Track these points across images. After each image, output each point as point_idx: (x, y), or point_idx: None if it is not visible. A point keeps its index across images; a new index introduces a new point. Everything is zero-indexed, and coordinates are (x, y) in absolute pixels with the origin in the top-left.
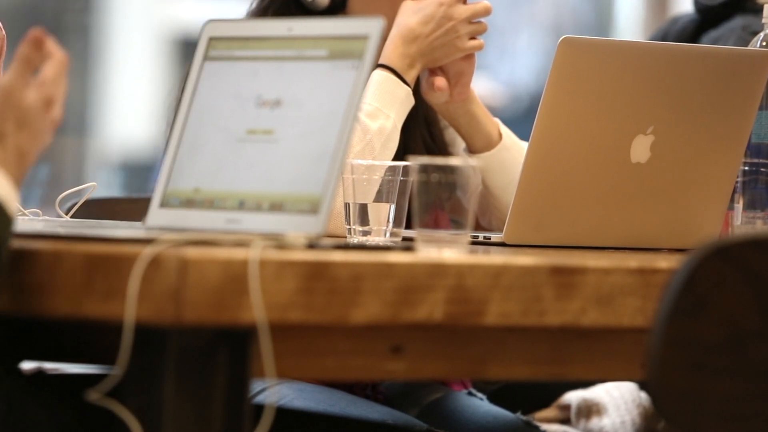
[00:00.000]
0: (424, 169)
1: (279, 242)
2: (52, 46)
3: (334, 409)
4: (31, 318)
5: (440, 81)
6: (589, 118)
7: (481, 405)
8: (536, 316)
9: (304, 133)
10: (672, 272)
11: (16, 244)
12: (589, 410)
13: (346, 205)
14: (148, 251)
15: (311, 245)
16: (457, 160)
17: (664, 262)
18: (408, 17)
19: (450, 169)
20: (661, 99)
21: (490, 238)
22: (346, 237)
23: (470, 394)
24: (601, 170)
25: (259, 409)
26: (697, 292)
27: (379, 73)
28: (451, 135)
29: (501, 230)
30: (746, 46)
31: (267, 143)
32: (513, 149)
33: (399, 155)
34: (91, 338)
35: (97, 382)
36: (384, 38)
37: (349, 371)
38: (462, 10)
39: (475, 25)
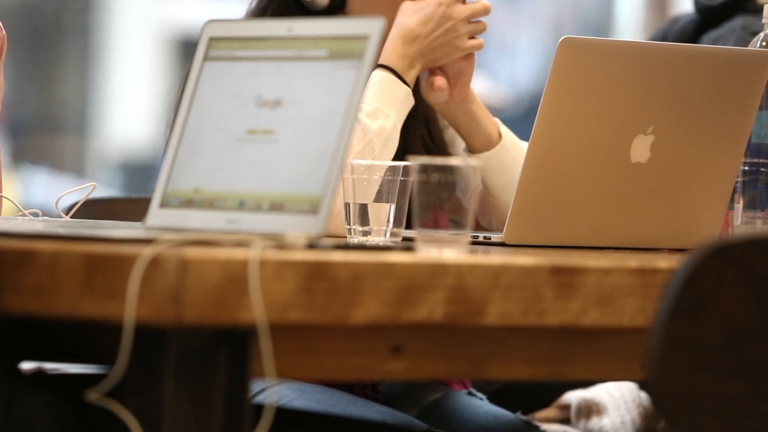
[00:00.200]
0: (424, 169)
1: (279, 242)
2: None
3: (334, 409)
4: (30, 318)
5: (440, 81)
6: (589, 118)
7: (481, 405)
8: (536, 316)
9: (304, 133)
10: (672, 272)
11: (16, 244)
12: (589, 410)
13: (346, 205)
14: (148, 251)
15: (311, 245)
16: (457, 160)
17: (664, 262)
18: (407, 17)
19: (450, 169)
20: (661, 99)
21: (490, 238)
22: (346, 237)
23: (470, 394)
24: (601, 170)
25: (259, 409)
26: (697, 292)
27: (379, 73)
28: (451, 135)
29: (501, 230)
30: (746, 46)
31: (267, 143)
32: (513, 149)
33: (399, 155)
34: (91, 338)
35: (97, 382)
36: (384, 38)
37: (349, 371)
38: (461, 10)
39: (475, 24)
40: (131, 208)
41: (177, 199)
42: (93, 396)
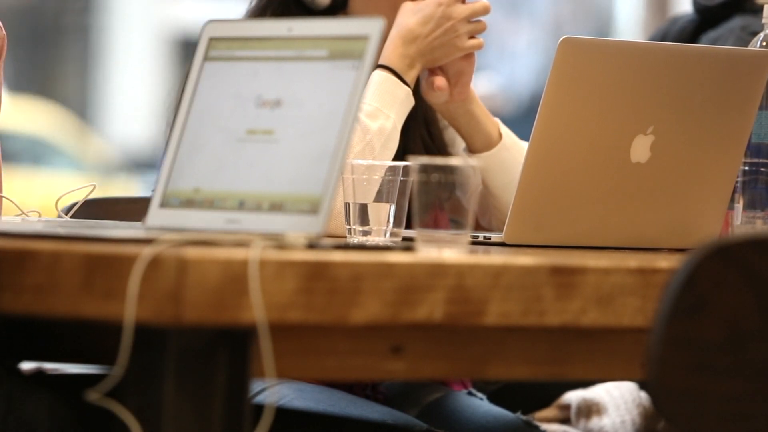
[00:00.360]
0: (424, 169)
1: (279, 242)
2: None
3: (334, 409)
4: (30, 318)
5: (440, 81)
6: (589, 118)
7: (481, 405)
8: (536, 316)
9: (304, 133)
10: (672, 272)
11: (16, 244)
12: (589, 410)
13: (346, 205)
14: (147, 251)
15: (311, 245)
16: (457, 160)
17: (664, 262)
18: (407, 18)
19: (450, 169)
20: (661, 99)
21: (490, 238)
22: (346, 237)
23: (470, 394)
24: (601, 170)
25: (259, 409)
26: (697, 292)
27: (379, 73)
28: (451, 135)
29: (501, 230)
30: (745, 46)
31: (267, 143)
32: (513, 149)
33: (398, 155)
34: (90, 338)
35: (97, 382)
36: (384, 39)
37: (349, 371)
38: (461, 10)
39: (474, 24)
40: (131, 208)
41: (177, 199)
42: (93, 396)
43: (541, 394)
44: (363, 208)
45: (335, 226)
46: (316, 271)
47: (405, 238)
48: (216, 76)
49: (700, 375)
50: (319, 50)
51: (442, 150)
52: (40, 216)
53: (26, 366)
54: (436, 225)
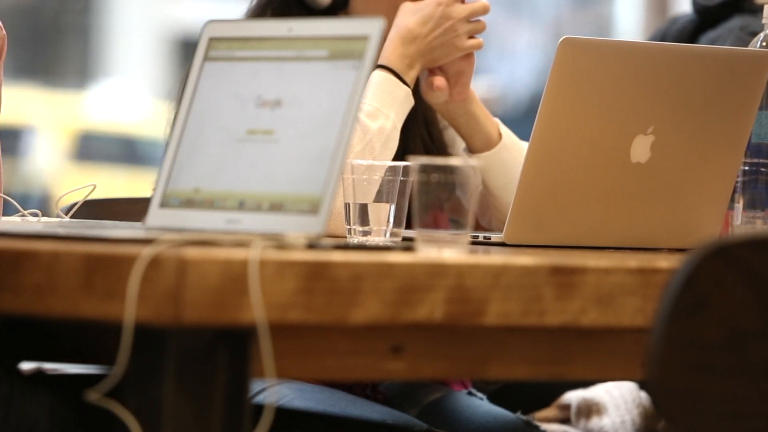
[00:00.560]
0: (424, 169)
1: (279, 242)
2: None
3: (334, 409)
4: (30, 318)
5: (440, 81)
6: (589, 118)
7: (481, 405)
8: (536, 316)
9: (304, 133)
10: (672, 272)
11: (16, 244)
12: (589, 410)
13: (346, 205)
14: (147, 251)
15: (311, 245)
16: (457, 160)
17: (664, 262)
18: (406, 18)
19: (450, 169)
20: (661, 99)
21: (490, 238)
22: (346, 237)
23: (470, 394)
24: (601, 170)
25: (259, 409)
26: (697, 292)
27: (379, 73)
28: (451, 135)
29: (501, 230)
30: (745, 46)
31: (267, 143)
32: (513, 149)
33: (398, 156)
34: (90, 338)
35: (97, 382)
36: (383, 39)
37: (349, 371)
38: (460, 9)
39: (474, 23)
40: (131, 208)
41: (177, 199)
42: (93, 396)
43: (541, 394)
44: (363, 208)
45: (335, 226)
46: (316, 271)
47: (405, 238)
48: (216, 76)
49: (700, 375)
50: (319, 50)
51: (442, 150)
52: (40, 216)
53: (26, 366)
54: (436, 225)
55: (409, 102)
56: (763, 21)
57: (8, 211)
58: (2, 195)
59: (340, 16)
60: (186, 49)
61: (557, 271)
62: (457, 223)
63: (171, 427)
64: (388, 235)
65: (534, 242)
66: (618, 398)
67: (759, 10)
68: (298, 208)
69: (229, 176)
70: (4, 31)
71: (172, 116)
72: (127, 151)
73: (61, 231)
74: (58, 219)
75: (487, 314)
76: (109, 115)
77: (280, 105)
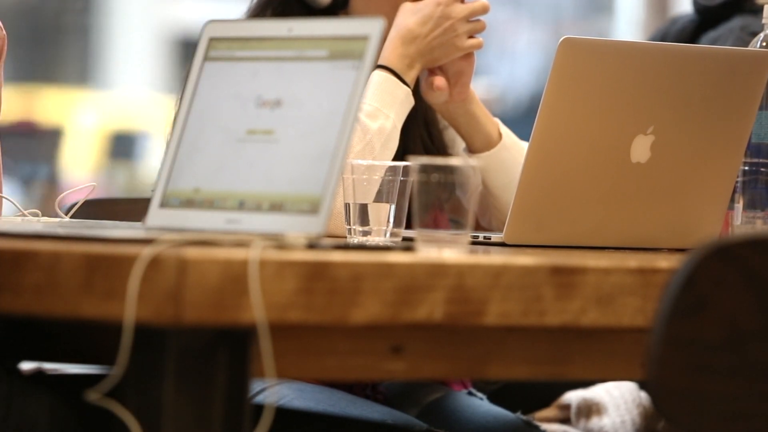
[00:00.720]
0: (424, 169)
1: (279, 242)
2: None
3: (334, 409)
4: (30, 318)
5: (440, 81)
6: (589, 118)
7: (481, 405)
8: (536, 316)
9: (304, 133)
10: (672, 272)
11: (16, 244)
12: (589, 410)
13: (346, 205)
14: (147, 251)
15: (311, 245)
16: (457, 160)
17: (664, 262)
18: (406, 18)
19: (450, 169)
20: (661, 99)
21: (490, 238)
22: (346, 237)
23: (470, 394)
24: (601, 170)
25: (259, 409)
26: (697, 292)
27: (379, 73)
28: (451, 136)
29: (501, 230)
30: (745, 46)
31: (267, 143)
32: (513, 149)
33: (398, 156)
34: (90, 338)
35: (97, 382)
36: (383, 39)
37: (349, 371)
38: (460, 9)
39: (474, 23)
40: (131, 208)
41: (177, 199)
42: (93, 396)
43: (541, 394)
44: (363, 208)
45: (335, 226)
46: (316, 271)
47: (405, 238)
48: (216, 76)
49: (700, 375)
50: (319, 50)
51: (442, 151)
52: (40, 216)
53: (26, 366)
54: (436, 225)
55: (409, 102)
56: (763, 21)
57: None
58: (2, 195)
59: (340, 15)
60: (186, 49)
61: (557, 271)
62: (457, 223)
63: (171, 427)
64: (388, 235)
65: (534, 242)
66: (618, 398)
67: (760, 10)
68: (298, 208)
69: (229, 176)
70: (4, 32)
71: (172, 116)
72: None
73: (61, 231)
74: (58, 219)
75: (487, 314)
76: None
77: (280, 105)
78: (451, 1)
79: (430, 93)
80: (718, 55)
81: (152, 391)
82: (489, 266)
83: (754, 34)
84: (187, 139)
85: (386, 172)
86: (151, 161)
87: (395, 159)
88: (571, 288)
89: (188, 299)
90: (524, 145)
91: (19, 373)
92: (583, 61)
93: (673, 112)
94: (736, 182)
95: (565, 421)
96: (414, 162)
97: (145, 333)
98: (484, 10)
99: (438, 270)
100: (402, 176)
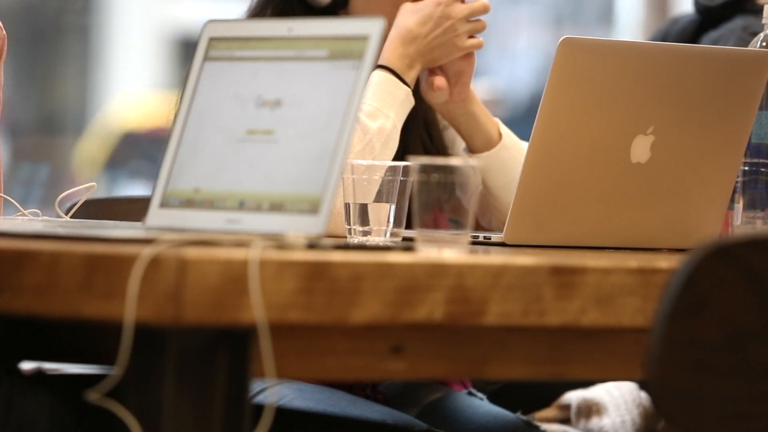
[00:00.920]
0: (424, 169)
1: (279, 242)
2: None
3: (334, 409)
4: (30, 318)
5: (440, 80)
6: (589, 118)
7: (481, 405)
8: (536, 316)
9: (304, 133)
10: (672, 272)
11: (16, 244)
12: (589, 410)
13: (346, 205)
14: (147, 251)
15: (311, 245)
16: (457, 160)
17: (664, 262)
18: (406, 18)
19: (450, 169)
20: (661, 99)
21: (490, 238)
22: (346, 237)
23: (470, 394)
24: (601, 170)
25: (259, 409)
26: (697, 292)
27: (379, 73)
28: (451, 136)
29: (501, 230)
30: (746, 46)
31: (267, 143)
32: (513, 149)
33: (398, 157)
34: (91, 338)
35: (97, 382)
36: (383, 39)
37: (349, 371)
38: (460, 9)
39: (474, 23)
40: (131, 208)
41: (177, 199)
42: (93, 396)
43: (541, 394)
44: (363, 208)
45: (335, 226)
46: (316, 271)
47: (405, 238)
48: (216, 76)
49: (700, 375)
50: (319, 50)
51: (442, 152)
52: (40, 216)
53: (26, 366)
54: (436, 225)
55: (409, 102)
56: (763, 21)
57: (8, 211)
58: (2, 195)
59: (340, 15)
60: (186, 49)
61: (557, 271)
62: (457, 223)
63: (171, 427)
64: (388, 235)
65: (534, 242)
66: (618, 398)
67: (761, 10)
68: (298, 208)
69: (229, 176)
70: (5, 32)
71: (172, 116)
72: None
73: (61, 231)
74: (58, 219)
75: (487, 314)
76: None
77: (280, 105)
78: (451, 1)
79: (430, 93)
80: (718, 55)
81: (152, 391)
82: (489, 266)
83: (755, 34)
84: (187, 139)
85: (386, 172)
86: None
87: (395, 159)
88: (571, 288)
89: (188, 299)
90: (524, 145)
91: (19, 373)
92: (583, 61)
93: (673, 112)
94: (736, 182)
95: (565, 421)
96: (414, 162)
97: (145, 333)
98: (485, 10)
99: (438, 270)
100: (402, 176)
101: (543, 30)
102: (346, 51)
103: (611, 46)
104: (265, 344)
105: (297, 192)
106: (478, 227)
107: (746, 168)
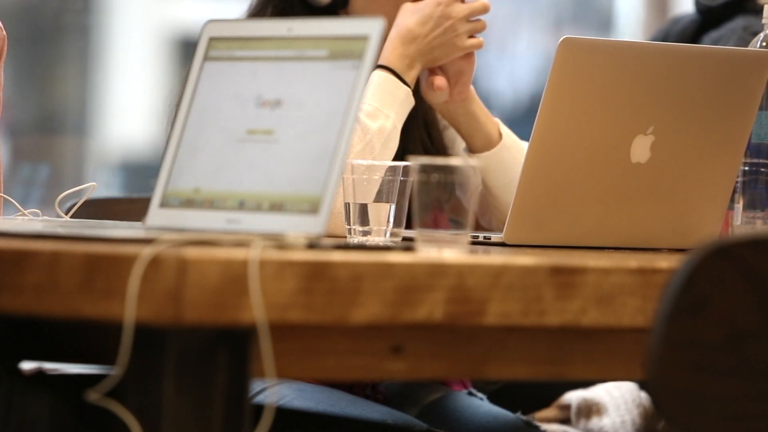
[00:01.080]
0: (424, 169)
1: (279, 242)
2: None
3: (334, 409)
4: (30, 318)
5: (440, 80)
6: (589, 118)
7: (481, 405)
8: (536, 316)
9: (304, 133)
10: (672, 272)
11: (16, 244)
12: (589, 410)
13: (346, 205)
14: (147, 251)
15: (311, 245)
16: (457, 160)
17: (664, 262)
18: (406, 18)
19: (450, 169)
20: (661, 99)
21: (490, 238)
22: (346, 237)
23: (470, 394)
24: (601, 170)
25: (259, 409)
26: (697, 292)
27: (379, 73)
28: (451, 136)
29: (501, 230)
30: (747, 46)
31: (267, 143)
32: (513, 149)
33: (398, 157)
34: (91, 338)
35: (97, 382)
36: (383, 39)
37: (349, 371)
38: (460, 9)
39: (474, 23)
40: (131, 208)
41: (177, 199)
42: (93, 396)
43: (541, 394)
44: (363, 208)
45: (335, 226)
46: (316, 271)
47: (405, 238)
48: (216, 76)
49: (700, 375)
50: (319, 50)
51: (442, 152)
52: (40, 216)
53: (26, 366)
54: (436, 225)
55: (410, 102)
56: (763, 21)
57: (8, 211)
58: (2, 195)
59: (340, 14)
60: (186, 49)
61: (557, 271)
62: (457, 223)
63: (171, 427)
64: (388, 235)
65: (534, 242)
66: (618, 398)
67: (762, 10)
68: (298, 208)
69: (229, 176)
70: (5, 32)
71: (172, 116)
72: None
73: (61, 231)
74: (58, 219)
75: (487, 314)
76: None
77: (280, 105)
78: (451, 1)
79: (430, 93)
80: (718, 55)
81: (152, 391)
82: (489, 266)
83: (756, 34)
84: (187, 139)
85: (386, 172)
86: None
87: (395, 159)
88: (571, 288)
89: (188, 299)
90: (524, 145)
91: (19, 373)
92: (583, 61)
93: (673, 112)
94: (736, 182)
95: (565, 421)
96: (414, 162)
97: (145, 333)
98: (485, 10)
99: (438, 270)
100: (402, 176)
101: (543, 30)
102: (346, 51)
103: (611, 46)
104: (265, 344)
105: (297, 192)
106: (478, 227)
107: (746, 168)
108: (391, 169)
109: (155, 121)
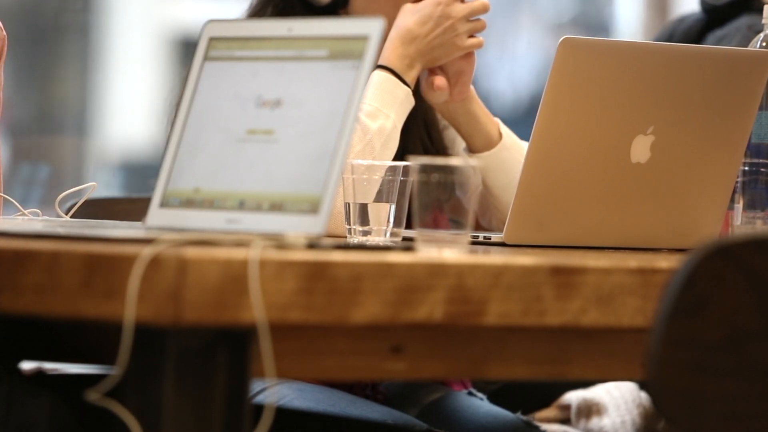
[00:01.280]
0: (424, 169)
1: (279, 242)
2: None
3: (334, 409)
4: (30, 318)
5: (440, 80)
6: (589, 118)
7: (481, 405)
8: (536, 316)
9: (304, 133)
10: (672, 272)
11: (16, 244)
12: (589, 410)
13: (346, 205)
14: (147, 251)
15: (311, 245)
16: (457, 160)
17: (664, 262)
18: (406, 18)
19: (450, 169)
20: (661, 99)
21: (490, 238)
22: (346, 237)
23: (470, 394)
24: (601, 170)
25: (259, 409)
26: (697, 292)
27: (379, 73)
28: (451, 136)
29: (501, 230)
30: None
31: (267, 143)
32: (513, 149)
33: (398, 157)
34: (91, 338)
35: (97, 382)
36: (383, 39)
37: (349, 371)
38: (460, 9)
39: (474, 22)
40: (131, 208)
41: (177, 199)
42: (93, 396)
43: (541, 394)
44: (363, 208)
45: (335, 226)
46: (316, 271)
47: (405, 238)
48: (216, 76)
49: (700, 375)
50: (319, 50)
51: (442, 152)
52: (40, 216)
53: (26, 366)
54: (436, 225)
55: (410, 102)
56: (764, 21)
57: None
58: (2, 195)
59: (340, 14)
60: (186, 49)
61: (557, 271)
62: (457, 223)
63: (171, 427)
64: (388, 235)
65: (534, 242)
66: (618, 398)
67: None
68: (298, 208)
69: (229, 176)
70: (5, 32)
71: (172, 116)
72: None
73: (61, 231)
74: (58, 219)
75: (487, 314)
76: None
77: (280, 105)
78: (451, 1)
79: (430, 93)
80: (718, 55)
81: (152, 391)
82: (489, 266)
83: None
84: (187, 139)
85: (386, 172)
86: None
87: (395, 159)
88: (571, 288)
89: (188, 299)
90: (524, 145)
91: (19, 373)
92: (583, 61)
93: (673, 112)
94: (736, 182)
95: (565, 421)
96: (414, 162)
97: (145, 333)
98: (485, 9)
99: (438, 270)
100: (402, 176)
101: (543, 30)
102: (346, 51)
103: (611, 46)
104: (265, 344)
105: (297, 192)
106: (478, 227)
107: (746, 168)
108: (391, 169)
109: (155, 121)
